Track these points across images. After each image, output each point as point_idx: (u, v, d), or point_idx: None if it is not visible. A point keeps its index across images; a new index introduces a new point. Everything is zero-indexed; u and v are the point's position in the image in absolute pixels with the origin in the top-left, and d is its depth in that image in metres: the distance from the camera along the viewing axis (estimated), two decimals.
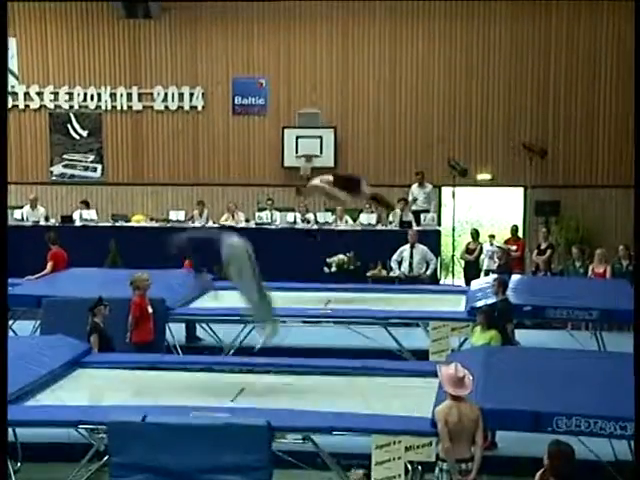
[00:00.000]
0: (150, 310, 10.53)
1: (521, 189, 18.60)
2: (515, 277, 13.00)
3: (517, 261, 16.39)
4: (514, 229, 17.03)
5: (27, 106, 19.37)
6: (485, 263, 16.46)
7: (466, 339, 10.84)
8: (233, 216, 17.56)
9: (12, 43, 19.15)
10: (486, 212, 19.86)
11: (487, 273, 15.73)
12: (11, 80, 19.28)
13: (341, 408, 7.72)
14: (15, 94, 19.30)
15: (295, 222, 17.36)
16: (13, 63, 19.24)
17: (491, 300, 10.75)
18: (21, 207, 18.05)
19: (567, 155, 18.40)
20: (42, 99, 19.31)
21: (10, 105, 19.31)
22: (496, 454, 8.57)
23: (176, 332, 11.72)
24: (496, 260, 15.72)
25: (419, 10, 18.42)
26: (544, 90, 18.33)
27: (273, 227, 17.22)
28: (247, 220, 17.52)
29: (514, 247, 16.51)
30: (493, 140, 18.59)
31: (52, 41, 19.19)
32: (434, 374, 7.63)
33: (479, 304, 10.74)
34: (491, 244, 16.50)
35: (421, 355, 10.84)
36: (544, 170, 18.29)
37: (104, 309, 9.78)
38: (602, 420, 6.85)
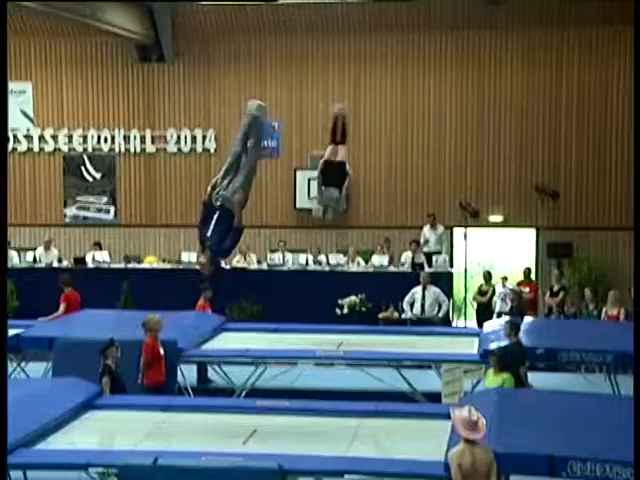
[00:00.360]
0: (162, 352, 10.52)
1: (533, 230, 18.59)
2: (528, 319, 12.95)
3: (530, 303, 16.34)
4: (527, 272, 17.00)
5: (42, 149, 19.56)
6: (497, 305, 16.39)
7: (479, 381, 10.78)
8: (245, 257, 17.59)
9: (28, 87, 19.41)
10: (498, 254, 19.82)
11: (499, 315, 15.67)
12: (26, 123, 19.50)
13: (354, 451, 7.67)
14: (30, 137, 19.50)
15: (307, 264, 17.40)
16: (29, 107, 19.47)
17: (504, 343, 10.70)
18: (34, 249, 18.17)
19: (579, 197, 18.40)
20: (56, 142, 19.50)
21: (25, 148, 19.54)
22: None
23: (187, 374, 11.69)
24: (508, 302, 15.68)
25: (430, 54, 18.57)
26: (556, 132, 18.40)
27: (285, 269, 17.25)
28: (259, 262, 17.56)
29: (527, 289, 16.47)
30: (505, 182, 18.62)
31: (67, 85, 19.43)
32: (447, 417, 7.57)
33: (492, 347, 10.70)
34: (503, 286, 16.45)
35: (433, 397, 10.78)
36: (556, 212, 18.30)
37: (115, 351, 9.77)
38: (617, 465, 6.77)
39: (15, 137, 19.51)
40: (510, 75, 18.44)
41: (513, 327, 10.64)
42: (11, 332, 12.02)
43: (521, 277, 17.09)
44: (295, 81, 18.93)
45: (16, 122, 19.47)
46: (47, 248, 17.92)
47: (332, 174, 9.45)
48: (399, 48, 18.60)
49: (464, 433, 6.73)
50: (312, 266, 17.34)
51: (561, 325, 14.23)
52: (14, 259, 17.78)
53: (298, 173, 18.67)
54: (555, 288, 16.20)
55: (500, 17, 17.99)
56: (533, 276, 17.43)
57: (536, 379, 11.33)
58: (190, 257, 17.58)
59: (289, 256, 17.54)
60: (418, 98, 18.70)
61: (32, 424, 7.99)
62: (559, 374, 12.74)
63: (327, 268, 17.27)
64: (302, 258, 17.51)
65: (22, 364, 11.90)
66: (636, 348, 8.91)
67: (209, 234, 8.52)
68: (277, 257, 17.40)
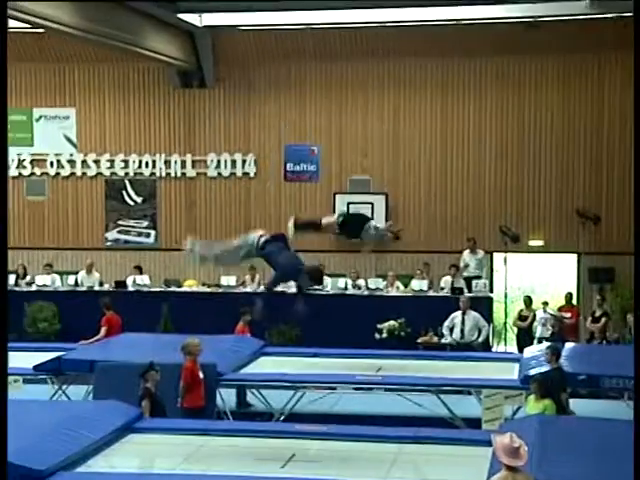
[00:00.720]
0: (201, 375, 10.55)
1: (574, 255, 18.41)
2: (569, 345, 12.80)
3: (571, 329, 16.17)
4: (568, 296, 16.83)
5: (84, 174, 19.81)
6: (538, 330, 16.24)
7: (519, 408, 10.67)
8: None
9: (71, 112, 19.71)
10: (539, 278, 19.66)
11: (540, 341, 15.52)
12: (70, 148, 19.78)
13: (393, 477, 7.62)
14: (73, 162, 19.77)
15: (346, 288, 17.38)
16: (72, 132, 19.76)
17: (545, 368, 10.59)
18: (77, 272, 18.36)
19: (621, 221, 18.19)
20: (99, 166, 19.74)
21: (68, 173, 19.81)
22: None
23: (227, 398, 11.71)
24: (549, 327, 15.53)
25: (470, 79, 18.56)
26: (597, 155, 18.26)
27: (324, 293, 17.23)
28: (299, 291, 17.53)
29: (568, 314, 16.30)
30: (545, 206, 18.50)
31: (109, 110, 19.69)
32: (487, 443, 7.49)
33: (532, 372, 10.60)
34: (544, 311, 16.30)
35: (473, 423, 10.69)
36: (598, 236, 18.12)
37: (155, 374, 9.81)
38: None
39: (59, 162, 19.80)
40: (550, 99, 18.36)
41: (554, 352, 10.53)
42: (53, 355, 12.16)
43: (562, 302, 16.92)
44: (334, 106, 19.01)
45: (59, 147, 19.78)
46: (89, 271, 18.11)
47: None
48: (439, 73, 18.62)
49: (506, 460, 6.65)
50: (351, 290, 17.32)
51: (603, 351, 14.05)
52: (56, 282, 17.99)
53: (337, 197, 18.71)
54: (597, 314, 16.02)
55: (539, 42, 17.93)
56: (574, 301, 17.24)
57: (578, 406, 11.17)
58: (229, 281, 17.67)
59: (328, 280, 17.51)
60: (458, 123, 18.68)
61: (73, 447, 8.04)
62: (601, 401, 12.55)
63: (366, 292, 17.24)
64: (341, 282, 17.49)
65: (63, 386, 11.98)
66: (636, 353, 8.77)
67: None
68: (321, 285, 17.35)
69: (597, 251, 18.03)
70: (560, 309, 16.56)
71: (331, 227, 9.61)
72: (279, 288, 9.20)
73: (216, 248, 9.29)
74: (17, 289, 17.78)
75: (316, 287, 16.61)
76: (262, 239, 9.11)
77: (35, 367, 11.78)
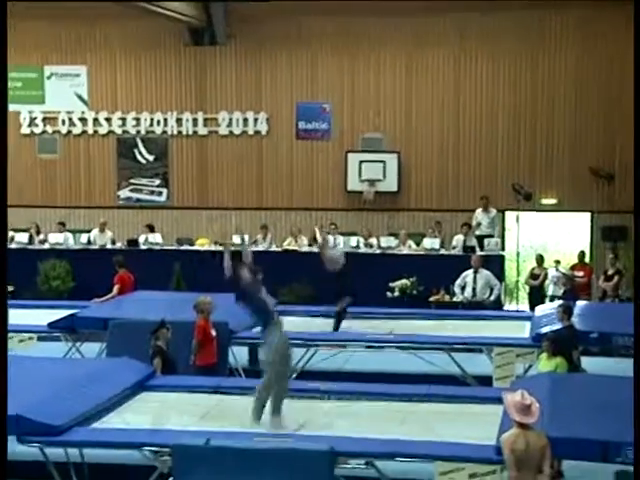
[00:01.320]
0: (214, 333, 10.60)
1: (587, 214, 18.34)
2: (581, 303, 12.80)
3: (584, 287, 16.15)
4: (581, 255, 16.79)
5: (96, 132, 19.79)
6: (550, 289, 16.23)
7: (531, 366, 10.69)
8: (296, 240, 17.63)
9: (82, 70, 19.63)
10: (551, 237, 19.61)
11: (552, 299, 15.52)
12: (81, 106, 19.73)
13: (404, 434, 7.66)
14: (85, 120, 19.73)
15: (358, 246, 17.37)
16: (83, 90, 19.70)
17: (556, 326, 10.59)
18: (89, 231, 18.41)
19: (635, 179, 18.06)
20: (110, 125, 19.70)
21: (80, 131, 19.78)
22: None
23: (239, 355, 11.77)
24: (561, 286, 15.50)
25: (483, 34, 18.37)
26: (611, 113, 18.09)
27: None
28: (310, 244, 17.57)
29: (581, 273, 16.28)
30: (558, 164, 18.39)
31: (120, 68, 19.60)
32: (499, 401, 7.52)
33: (544, 330, 10.60)
34: (556, 269, 16.28)
35: (484, 381, 10.72)
36: (611, 194, 18.02)
37: (166, 332, 9.85)
38: None
39: (70, 120, 19.77)
40: (565, 54, 18.17)
41: (566, 310, 10.52)
42: (66, 312, 12.24)
43: (575, 261, 16.88)
44: (347, 63, 18.86)
45: (71, 105, 19.74)
46: (102, 230, 18.16)
47: None
48: (452, 29, 18.43)
49: (517, 417, 6.68)
50: (363, 249, 17.30)
51: (615, 309, 14.03)
52: (69, 240, 18.05)
53: (349, 155, 18.64)
54: (610, 272, 15.98)
55: None
56: (587, 259, 17.20)
57: (589, 363, 11.19)
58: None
59: (340, 239, 17.52)
60: (471, 79, 18.52)
61: (88, 403, 8.12)
62: (613, 358, 12.57)
63: (378, 251, 17.23)
64: (353, 241, 17.48)
65: (77, 344, 12.07)
66: (636, 341, 8.76)
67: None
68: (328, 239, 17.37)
69: (610, 209, 17.94)
70: (573, 267, 16.53)
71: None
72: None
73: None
74: (30, 247, 17.87)
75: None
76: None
77: (49, 324, 11.87)
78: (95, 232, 18.15)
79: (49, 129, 19.89)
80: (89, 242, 17.98)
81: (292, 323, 12.35)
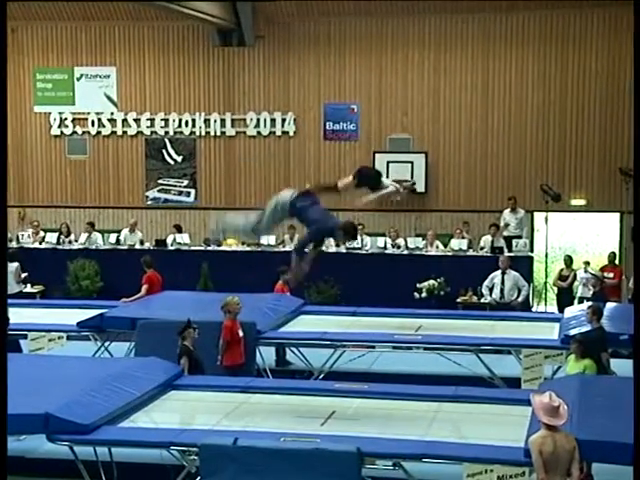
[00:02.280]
0: (241, 334, 10.63)
1: (617, 215, 18.19)
2: (611, 305, 12.69)
3: (613, 289, 16.02)
4: (611, 256, 16.66)
5: (125, 132, 19.90)
6: (579, 290, 16.12)
7: (559, 367, 10.63)
8: None
9: (112, 71, 19.76)
10: (580, 238, 19.48)
11: (581, 300, 15.41)
12: (110, 107, 19.86)
13: (432, 435, 7.65)
14: (114, 121, 19.86)
15: (385, 247, 17.35)
16: (112, 91, 19.83)
17: (585, 328, 10.52)
18: (118, 231, 18.53)
19: None
20: (139, 125, 19.81)
21: (109, 132, 19.90)
22: None
23: (266, 356, 11.80)
24: (590, 287, 15.39)
25: (512, 35, 18.27)
26: None
27: (364, 252, 17.23)
28: (337, 245, 17.57)
29: (611, 274, 16.15)
30: (588, 164, 18.26)
31: (149, 69, 19.70)
32: (527, 402, 7.48)
33: (573, 332, 10.53)
34: (585, 271, 16.15)
35: (513, 383, 10.68)
36: None
37: (193, 332, 9.88)
38: None
39: (100, 121, 19.90)
40: (594, 55, 18.03)
41: (596, 312, 10.44)
42: (95, 312, 12.32)
43: (604, 262, 16.75)
44: (374, 64, 18.84)
45: (100, 106, 19.86)
46: (132, 230, 18.27)
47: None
48: (480, 29, 18.34)
49: (545, 419, 6.64)
50: (390, 249, 17.28)
51: None
52: (98, 240, 18.18)
53: (377, 156, 18.60)
54: None
55: None
56: (617, 261, 17.06)
57: (619, 366, 11.10)
58: (269, 240, 17.71)
59: (367, 239, 17.51)
60: (499, 80, 18.44)
61: (116, 402, 8.18)
62: None
63: (405, 251, 17.21)
64: (380, 241, 17.46)
65: (106, 343, 12.16)
66: (636, 340, 8.66)
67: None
68: (356, 240, 17.36)
69: None
70: (603, 269, 16.40)
71: (349, 185, 9.61)
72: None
73: (250, 217, 9.26)
74: (60, 247, 18.01)
75: (353, 244, 16.66)
76: (294, 194, 9.13)
77: (78, 324, 11.95)
78: (125, 232, 18.27)
79: (79, 130, 20.03)
80: (118, 242, 18.08)
81: (319, 323, 12.41)
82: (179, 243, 17.89)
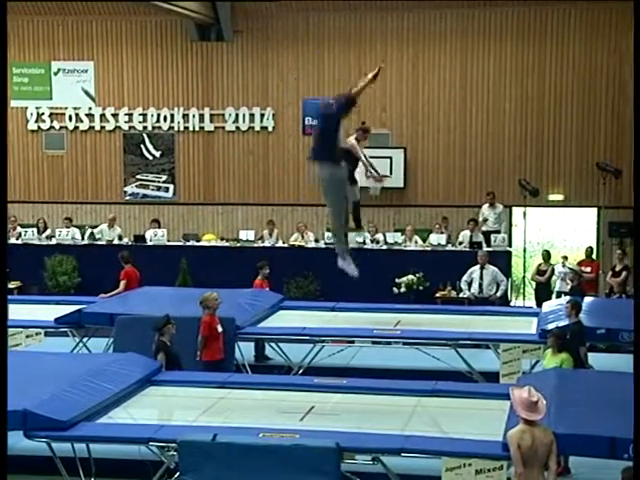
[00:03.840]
0: (220, 329, 10.61)
1: (594, 210, 18.30)
2: (588, 299, 12.77)
3: (591, 283, 16.12)
4: (589, 251, 16.76)
5: (103, 127, 19.80)
6: (557, 285, 16.22)
7: (537, 362, 10.69)
8: (303, 236, 17.63)
9: (89, 66, 19.64)
10: (558, 233, 19.59)
11: (559, 295, 15.50)
12: (88, 102, 19.75)
13: (411, 430, 7.67)
14: (91, 116, 19.75)
15: (364, 242, 17.34)
16: (90, 86, 19.72)
17: (563, 322, 10.58)
18: (96, 226, 18.44)
19: None
20: (117, 120, 19.71)
21: (87, 127, 19.79)
22: None
23: (245, 351, 11.79)
24: (568, 282, 15.47)
25: (490, 31, 18.33)
26: (619, 108, 18.05)
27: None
28: (317, 240, 17.58)
29: (588, 269, 16.25)
30: (565, 160, 18.36)
31: (127, 64, 19.60)
32: (505, 397, 7.52)
33: (550, 326, 10.58)
34: (563, 265, 16.26)
35: (491, 377, 10.71)
36: (618, 190, 17.98)
37: (171, 327, 9.84)
38: None
39: (77, 116, 19.79)
40: (571, 50, 18.12)
41: (575, 306, 10.49)
42: (73, 308, 12.26)
43: (582, 256, 16.86)
44: (353, 58, 18.84)
45: (78, 101, 19.75)
46: (111, 225, 18.18)
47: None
48: (458, 25, 18.39)
49: (524, 414, 6.68)
50: (369, 244, 17.29)
51: (623, 305, 13.98)
52: (76, 235, 18.07)
53: None
54: (617, 268, 15.95)
55: None
56: (594, 256, 17.17)
57: (597, 360, 11.19)
58: (247, 235, 17.69)
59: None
60: (477, 75, 18.49)
61: (94, 398, 8.14)
62: (620, 355, 12.55)
63: (384, 247, 17.22)
64: (359, 237, 17.45)
65: (84, 339, 12.10)
66: (636, 340, 8.73)
67: None
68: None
69: (617, 205, 17.90)
70: (580, 263, 16.50)
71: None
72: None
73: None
74: (37, 243, 17.89)
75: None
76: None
77: (56, 320, 11.89)
78: (104, 227, 18.18)
79: (56, 125, 19.91)
80: (92, 237, 17.90)
81: (298, 318, 12.41)
82: (158, 238, 17.75)
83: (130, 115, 19.66)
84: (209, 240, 17.96)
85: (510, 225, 18.38)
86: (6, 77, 8.16)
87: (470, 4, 18.15)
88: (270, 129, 19.29)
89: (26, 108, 19.84)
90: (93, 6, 19.32)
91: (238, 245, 17.46)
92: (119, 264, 14.27)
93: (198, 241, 17.95)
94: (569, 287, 15.31)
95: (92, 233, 18.01)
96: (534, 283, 16.71)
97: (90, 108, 19.76)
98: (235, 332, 11.11)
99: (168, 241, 17.83)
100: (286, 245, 17.53)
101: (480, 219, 17.51)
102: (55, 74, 19.82)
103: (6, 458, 6.28)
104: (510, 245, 17.51)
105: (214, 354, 10.51)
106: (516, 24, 18.22)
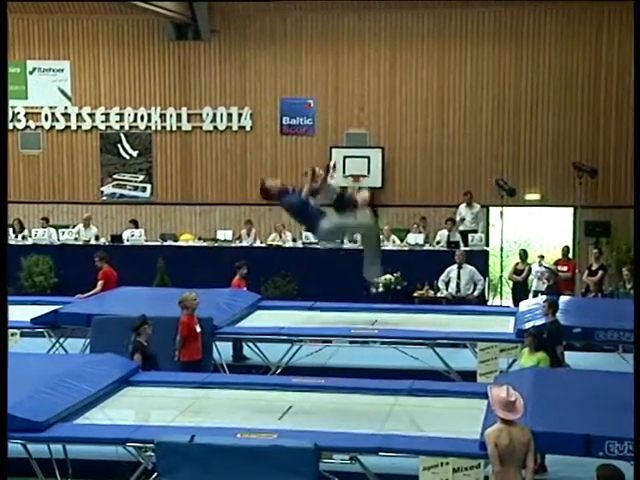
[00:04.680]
0: (198, 329, 10.58)
1: (571, 209, 18.41)
2: (565, 298, 12.84)
3: (567, 282, 16.21)
4: (565, 250, 16.86)
5: (79, 127, 19.70)
6: (534, 284, 16.30)
7: (514, 361, 10.73)
8: (280, 236, 17.62)
9: (66, 65, 19.53)
10: (535, 232, 19.69)
11: (536, 294, 15.58)
12: (64, 101, 19.64)
13: (388, 429, 7.68)
14: (68, 115, 19.64)
15: (342, 242, 17.33)
16: (66, 85, 19.61)
17: (540, 321, 10.63)
18: (72, 226, 18.33)
19: (618, 174, 18.18)
20: (94, 120, 19.62)
21: (63, 126, 19.68)
22: (546, 478, 8.45)
23: (223, 351, 11.77)
24: (545, 281, 15.56)
25: (467, 31, 18.40)
26: (595, 108, 18.18)
27: (320, 247, 17.20)
28: (294, 240, 17.57)
29: (565, 268, 16.34)
30: (542, 160, 18.46)
31: (104, 63, 19.51)
32: (482, 396, 7.56)
33: (528, 325, 10.63)
34: (540, 265, 16.34)
35: (468, 376, 10.75)
36: (594, 190, 18.10)
37: (148, 328, 9.80)
38: None
39: (53, 115, 19.67)
40: (548, 51, 18.22)
41: (552, 306, 10.55)
42: (49, 308, 12.19)
43: (558, 256, 16.95)
44: (331, 58, 18.85)
45: (54, 100, 19.64)
46: (87, 225, 18.07)
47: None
48: (435, 25, 18.45)
49: (502, 414, 6.71)
50: (347, 244, 17.29)
51: (599, 304, 14.10)
52: (52, 236, 17.96)
53: (334, 151, 18.63)
54: (594, 267, 16.05)
55: None
56: (571, 255, 17.27)
57: (573, 358, 11.26)
58: (225, 235, 17.65)
59: None
60: (455, 75, 18.55)
61: (71, 399, 8.10)
62: (596, 353, 12.64)
63: (362, 246, 17.20)
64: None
65: (61, 340, 12.03)
66: (636, 336, 8.81)
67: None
68: (312, 235, 17.35)
69: (593, 205, 18.02)
70: (557, 263, 16.59)
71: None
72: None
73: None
74: (13, 243, 17.75)
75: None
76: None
77: (32, 320, 11.83)
78: (80, 227, 18.07)
79: (32, 124, 19.79)
80: (73, 238, 17.82)
81: (276, 317, 12.40)
82: (135, 239, 17.67)
83: (107, 115, 19.57)
84: (187, 240, 17.91)
85: (487, 225, 18.45)
86: (6, 77, 8.08)
87: (447, 4, 18.21)
88: (248, 129, 19.26)
89: None
90: (69, 5, 19.22)
91: (216, 245, 17.42)
92: (96, 264, 14.18)
93: (176, 241, 17.89)
94: (545, 286, 15.39)
95: (69, 232, 17.87)
96: (511, 282, 16.78)
97: (66, 107, 19.66)
98: (213, 332, 11.10)
99: (145, 241, 17.75)
100: (264, 245, 17.52)
101: (457, 219, 17.57)
102: (31, 73, 19.69)
103: (6, 460, 6.23)
104: (487, 244, 17.57)
105: (193, 354, 10.48)
106: (493, 24, 18.31)
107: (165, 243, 17.76)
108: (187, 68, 19.34)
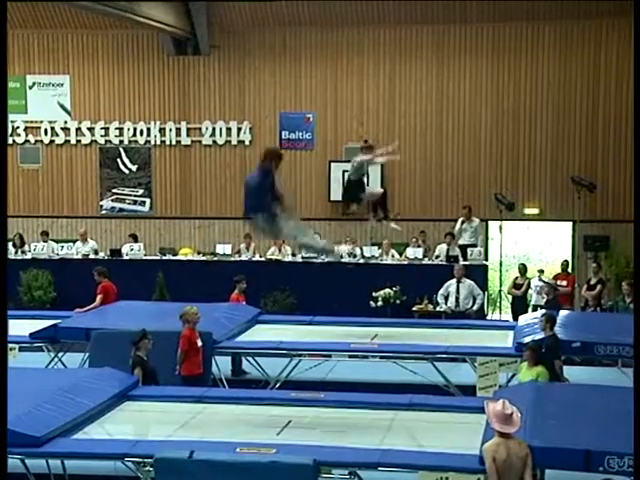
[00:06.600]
0: (200, 343, 10.58)
1: (569, 224, 18.43)
2: (564, 313, 12.84)
3: (567, 297, 16.20)
4: (564, 264, 16.86)
5: (79, 141, 19.72)
6: (533, 298, 16.30)
7: (514, 375, 10.72)
8: (280, 250, 17.62)
9: (65, 80, 19.59)
10: (534, 247, 19.70)
11: (535, 308, 15.57)
12: (64, 116, 19.68)
13: (388, 444, 7.67)
14: (67, 130, 19.67)
15: (341, 256, 17.34)
16: (66, 100, 19.65)
17: (539, 336, 10.63)
18: (72, 241, 18.32)
19: (616, 189, 18.21)
20: (93, 134, 19.65)
21: (62, 140, 19.71)
22: None
23: (222, 365, 11.75)
24: (544, 295, 15.55)
25: (466, 46, 18.46)
26: (593, 123, 18.22)
27: (319, 261, 17.22)
28: (294, 254, 17.57)
29: (564, 282, 16.34)
30: (541, 174, 18.49)
31: (104, 78, 19.56)
32: (481, 410, 7.54)
33: (527, 340, 10.64)
34: (539, 279, 16.33)
35: (468, 391, 10.74)
36: (593, 204, 18.12)
37: (148, 342, 9.80)
38: None
39: (53, 129, 19.71)
40: (546, 66, 18.27)
41: (549, 320, 10.56)
42: (48, 323, 12.17)
43: (557, 270, 16.95)
44: (330, 73, 18.91)
45: (53, 115, 19.68)
46: (84, 240, 18.07)
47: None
48: (434, 39, 18.51)
49: (498, 427, 6.70)
50: (346, 258, 17.31)
51: (598, 318, 14.10)
52: (52, 250, 17.95)
53: (332, 165, 18.66)
54: (592, 281, 16.04)
55: (536, 8, 17.85)
56: (570, 269, 17.27)
57: (572, 373, 11.25)
58: (224, 249, 17.65)
59: None
60: (454, 90, 18.60)
61: (69, 414, 8.09)
62: (595, 368, 12.63)
63: (361, 260, 17.25)
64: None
65: (59, 354, 12.02)
66: (636, 344, 8.81)
67: None
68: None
69: (592, 219, 18.04)
70: (556, 277, 16.59)
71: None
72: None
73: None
74: (12, 257, 17.75)
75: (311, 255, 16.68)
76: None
77: (31, 335, 11.81)
78: (78, 243, 18.04)
79: (31, 139, 19.82)
80: (72, 252, 17.80)
81: (275, 332, 12.40)
82: (134, 253, 17.66)
83: (106, 129, 19.60)
84: (186, 254, 17.91)
85: (486, 239, 18.46)
86: (6, 92, 8.13)
87: (446, 19, 18.29)
88: (247, 143, 19.29)
89: None
90: (69, 20, 19.29)
91: (215, 259, 17.42)
92: (95, 279, 14.17)
93: (175, 255, 17.90)
94: (545, 300, 15.39)
95: (68, 247, 17.85)
96: (510, 297, 16.78)
97: (66, 122, 19.69)
98: (212, 346, 11.08)
99: (145, 255, 17.75)
100: (263, 259, 17.53)
101: (456, 233, 17.57)
102: (30, 88, 19.74)
103: (6, 476, 6.22)
104: (486, 259, 17.58)
105: (193, 368, 10.48)
106: (491, 40, 18.37)
107: (164, 257, 17.76)
108: (186, 83, 19.39)
